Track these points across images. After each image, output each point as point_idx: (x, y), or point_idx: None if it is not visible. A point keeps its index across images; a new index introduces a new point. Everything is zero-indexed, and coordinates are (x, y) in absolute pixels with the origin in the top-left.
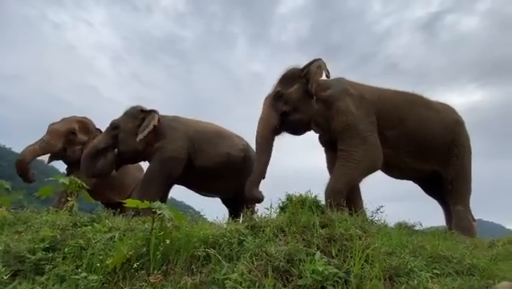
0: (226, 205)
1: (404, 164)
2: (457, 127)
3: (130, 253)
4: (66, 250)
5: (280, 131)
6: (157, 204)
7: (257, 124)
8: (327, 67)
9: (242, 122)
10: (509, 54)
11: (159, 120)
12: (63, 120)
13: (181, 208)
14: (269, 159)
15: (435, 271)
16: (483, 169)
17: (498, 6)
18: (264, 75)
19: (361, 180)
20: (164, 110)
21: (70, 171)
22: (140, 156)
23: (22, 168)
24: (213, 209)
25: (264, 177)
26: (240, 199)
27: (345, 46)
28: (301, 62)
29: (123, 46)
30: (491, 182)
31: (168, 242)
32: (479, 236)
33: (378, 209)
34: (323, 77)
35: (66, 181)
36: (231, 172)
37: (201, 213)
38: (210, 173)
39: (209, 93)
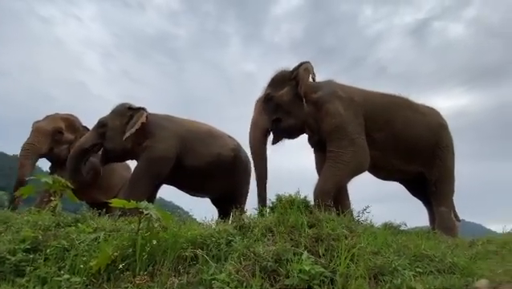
0: (216, 205)
1: (391, 166)
2: (442, 130)
3: (115, 254)
4: (48, 251)
5: (276, 138)
6: (144, 204)
7: (249, 130)
8: (314, 70)
9: (235, 122)
10: (494, 61)
11: (147, 117)
12: (48, 117)
13: (170, 208)
14: (266, 163)
15: (418, 270)
16: (466, 172)
17: (484, 15)
18: (257, 75)
19: (349, 181)
20: (156, 109)
21: (53, 169)
22: (127, 154)
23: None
24: (203, 210)
25: (266, 182)
26: (229, 199)
27: (338, 49)
28: (294, 63)
29: (114, 43)
30: (473, 184)
31: (154, 242)
32: (461, 236)
33: (364, 210)
34: (310, 80)
35: (49, 180)
36: (221, 173)
37: (190, 214)
38: (200, 173)
39: (202, 92)
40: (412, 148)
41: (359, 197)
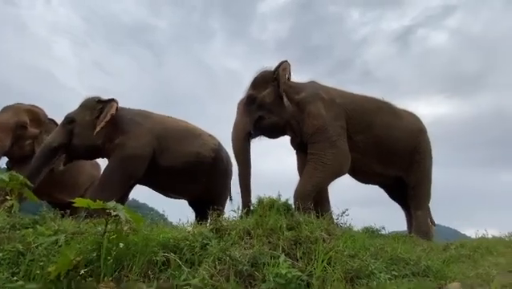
0: (193, 208)
1: (371, 169)
2: (421, 135)
3: (77, 258)
4: (0, 255)
5: (256, 134)
6: (112, 204)
7: (231, 133)
8: (292, 68)
9: (216, 120)
10: (473, 71)
11: (117, 108)
12: (8, 109)
13: (144, 210)
14: (249, 166)
15: (393, 273)
16: (442, 178)
17: (466, 25)
18: (241, 73)
19: (329, 183)
20: (132, 105)
21: (11, 166)
22: (98, 152)
23: None
24: (178, 212)
25: (250, 187)
26: (208, 202)
27: (324, 50)
28: (277, 59)
29: (86, 30)
30: (450, 190)
31: (122, 245)
32: (436, 239)
33: (343, 213)
34: (291, 80)
35: (5, 177)
36: (200, 173)
37: (165, 216)
38: (177, 174)
39: (182, 88)
40: (391, 153)
41: (341, 199)
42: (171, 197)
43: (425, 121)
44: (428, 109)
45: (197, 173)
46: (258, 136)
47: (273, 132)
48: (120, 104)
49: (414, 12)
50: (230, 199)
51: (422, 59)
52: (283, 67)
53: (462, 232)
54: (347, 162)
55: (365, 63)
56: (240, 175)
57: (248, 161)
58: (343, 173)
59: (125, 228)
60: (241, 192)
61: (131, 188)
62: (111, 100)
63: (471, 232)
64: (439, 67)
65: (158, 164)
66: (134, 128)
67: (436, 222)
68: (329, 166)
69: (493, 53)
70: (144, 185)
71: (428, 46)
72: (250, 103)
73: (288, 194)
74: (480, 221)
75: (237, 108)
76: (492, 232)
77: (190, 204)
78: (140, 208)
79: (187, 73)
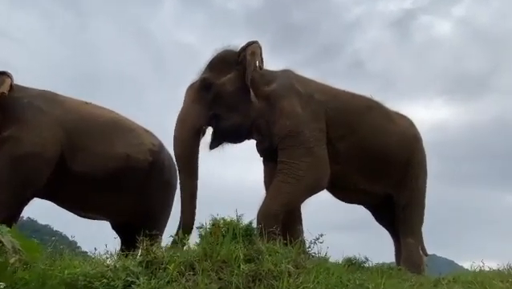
0: (118, 232)
1: (354, 185)
2: (415, 143)
3: None
4: None
5: (215, 142)
6: None
7: (175, 127)
8: (263, 53)
9: (162, 110)
10: (477, 69)
11: (11, 87)
12: None
13: (45, 234)
14: (196, 174)
15: None
16: (438, 196)
17: (473, 15)
18: (197, 49)
19: (302, 201)
20: (39, 83)
21: None
22: None
23: None
24: (95, 238)
25: (194, 203)
26: (140, 223)
27: (306, 30)
28: (248, 39)
29: None
30: (449, 213)
31: (5, 287)
32: (428, 272)
33: (317, 239)
34: (257, 66)
35: None
36: (130, 184)
37: (76, 243)
38: (96, 184)
39: (114, 65)
40: (379, 164)
41: (316, 222)
42: (85, 217)
43: (426, 127)
44: (429, 112)
45: (126, 184)
46: (217, 144)
47: (234, 137)
48: (18, 81)
49: None
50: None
51: (423, 50)
52: (252, 49)
53: (460, 264)
54: (326, 174)
55: (356, 51)
56: (182, 185)
57: (195, 167)
58: (321, 189)
59: (12, 260)
60: (183, 209)
61: (26, 201)
62: (3, 74)
63: (468, 264)
64: (441, 62)
65: (68, 170)
66: (33, 116)
67: (429, 252)
68: (303, 179)
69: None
70: (45, 198)
71: (430, 35)
72: (205, 90)
73: (253, 214)
74: (480, 250)
75: (186, 95)
76: (491, 264)
77: (114, 227)
78: (39, 231)
79: (122, 44)
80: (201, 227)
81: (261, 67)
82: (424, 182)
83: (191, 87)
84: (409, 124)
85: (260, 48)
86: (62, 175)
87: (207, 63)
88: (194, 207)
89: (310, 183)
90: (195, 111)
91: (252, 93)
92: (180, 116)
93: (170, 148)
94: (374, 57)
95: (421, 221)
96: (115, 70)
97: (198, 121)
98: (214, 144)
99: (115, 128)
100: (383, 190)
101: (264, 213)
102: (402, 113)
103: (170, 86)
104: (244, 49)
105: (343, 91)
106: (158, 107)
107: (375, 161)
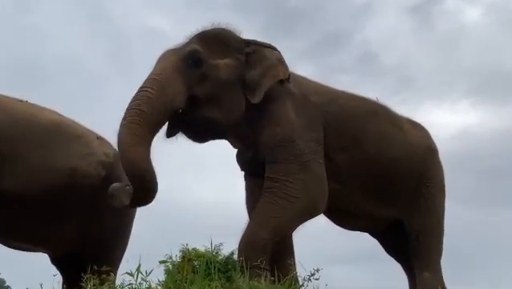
0: (60, 267)
1: (356, 207)
2: (430, 157)
3: None
4: None
5: (172, 129)
6: None
7: (143, 88)
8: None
9: (123, 109)
10: (505, 61)
11: None
12: None
13: None
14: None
15: None
16: (463, 220)
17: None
18: (170, 36)
19: (296, 227)
20: None
21: None
22: None
23: None
24: (29, 275)
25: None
26: (87, 257)
27: (307, 14)
28: (236, 25)
29: None
30: (470, 241)
31: None
32: None
33: (312, 275)
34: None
35: None
36: (75, 207)
37: (5, 282)
38: (30, 206)
39: (63, 50)
40: (387, 182)
41: (312, 253)
42: (17, 249)
43: (451, 134)
44: (454, 117)
45: (70, 206)
46: (174, 132)
47: (205, 133)
48: None
49: None
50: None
51: (448, 41)
52: (280, 57)
53: None
54: (325, 195)
55: (366, 41)
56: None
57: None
58: (318, 213)
59: None
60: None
61: None
62: None
63: None
64: (469, 55)
65: None
66: None
67: None
68: (297, 201)
69: None
70: None
71: (457, 24)
72: (192, 64)
73: (235, 243)
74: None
75: (166, 59)
76: None
77: (54, 260)
78: None
79: (73, 25)
80: (165, 261)
81: (283, 81)
82: (442, 203)
83: (175, 52)
84: (422, 132)
85: (285, 62)
86: None
87: (198, 34)
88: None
89: (306, 206)
90: (177, 83)
91: (255, 97)
92: (157, 78)
93: None
94: (388, 48)
95: (440, 252)
96: (63, 58)
97: (179, 99)
98: (173, 132)
99: (58, 133)
100: (391, 214)
101: (248, 243)
102: (414, 120)
103: (134, 81)
104: (260, 44)
105: (343, 92)
106: (118, 107)
107: (382, 179)
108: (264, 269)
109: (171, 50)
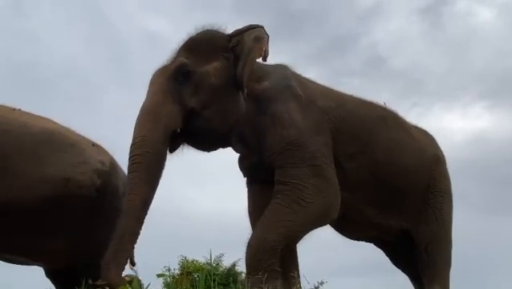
0: (54, 281)
1: (362, 217)
2: (438, 165)
3: None
4: None
5: (179, 143)
6: None
7: (138, 121)
8: (268, 42)
9: (120, 116)
10: None
11: None
12: None
13: None
14: (152, 195)
15: None
16: (482, 229)
17: None
18: (169, 39)
19: (306, 233)
20: None
21: None
22: None
23: None
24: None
25: (134, 243)
26: (82, 270)
27: (312, 17)
28: (235, 26)
29: None
30: (485, 253)
31: None
32: None
33: (316, 288)
34: (261, 55)
35: None
36: (69, 218)
37: None
38: (23, 218)
39: (60, 55)
40: (395, 191)
41: (316, 264)
42: (8, 262)
43: (463, 139)
44: (467, 122)
45: (64, 217)
46: (177, 146)
47: (207, 142)
48: None
49: None
50: (132, 263)
51: (460, 43)
52: (256, 34)
53: None
54: (337, 201)
55: (375, 44)
56: (128, 206)
57: (157, 182)
58: (330, 219)
59: None
60: (118, 238)
61: None
62: None
63: None
64: (481, 56)
65: None
66: None
67: None
68: (310, 206)
69: None
70: None
71: (469, 25)
72: (182, 79)
73: (237, 254)
74: None
75: (155, 83)
76: None
77: (49, 274)
78: None
79: (72, 34)
80: (163, 275)
81: (265, 58)
82: (450, 213)
83: (162, 72)
84: (430, 140)
85: (267, 35)
86: None
87: (183, 44)
88: (136, 236)
89: (318, 211)
90: (169, 105)
91: (245, 90)
92: (148, 107)
93: (126, 167)
94: (397, 51)
95: (448, 263)
96: (60, 64)
97: (175, 121)
98: (176, 145)
99: (50, 142)
100: (398, 224)
101: (257, 246)
102: (421, 127)
103: (131, 86)
104: (240, 32)
105: (352, 97)
106: (115, 114)
107: (391, 187)
108: (276, 272)
109: (158, 70)
